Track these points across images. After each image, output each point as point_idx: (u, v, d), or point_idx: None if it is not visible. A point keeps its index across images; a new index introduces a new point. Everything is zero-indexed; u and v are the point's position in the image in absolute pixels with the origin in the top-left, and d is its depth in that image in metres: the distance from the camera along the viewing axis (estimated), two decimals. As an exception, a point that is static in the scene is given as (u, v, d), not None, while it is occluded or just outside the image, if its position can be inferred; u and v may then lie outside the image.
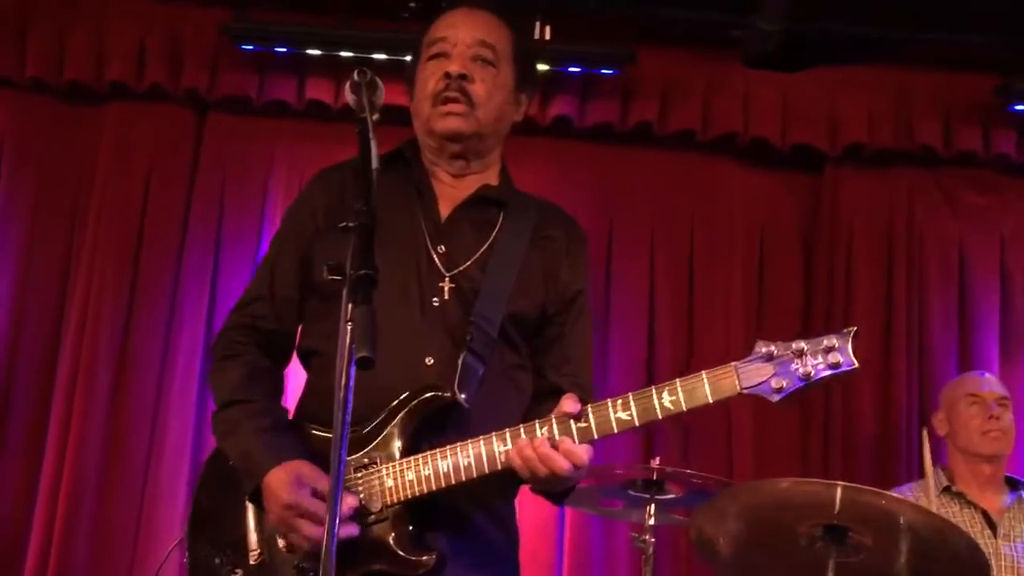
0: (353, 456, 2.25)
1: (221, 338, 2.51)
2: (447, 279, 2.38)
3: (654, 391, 2.19)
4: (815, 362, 2.15)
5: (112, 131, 4.98)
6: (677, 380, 2.19)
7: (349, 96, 2.04)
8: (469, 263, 2.40)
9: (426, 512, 2.26)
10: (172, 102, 4.96)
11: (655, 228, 5.04)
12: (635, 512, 3.91)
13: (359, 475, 2.26)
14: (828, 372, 2.15)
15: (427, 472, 2.23)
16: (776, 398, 2.16)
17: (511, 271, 2.41)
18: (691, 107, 4.95)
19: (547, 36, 4.71)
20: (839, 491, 2.92)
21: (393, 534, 2.23)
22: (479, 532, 2.35)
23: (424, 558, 2.21)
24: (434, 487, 2.23)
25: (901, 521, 2.97)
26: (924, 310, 4.96)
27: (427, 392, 2.27)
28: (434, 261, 2.39)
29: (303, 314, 2.50)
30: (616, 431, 2.20)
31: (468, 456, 2.21)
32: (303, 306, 2.49)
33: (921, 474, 4.24)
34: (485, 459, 2.21)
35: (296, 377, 2.55)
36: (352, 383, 1.84)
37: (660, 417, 2.19)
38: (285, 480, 2.23)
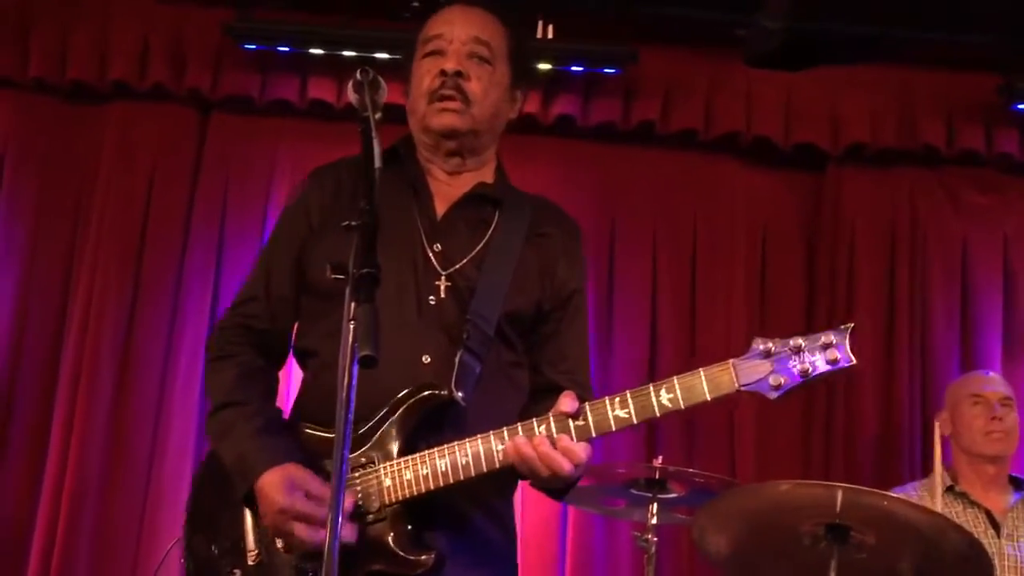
0: (351, 455, 2.24)
1: (215, 338, 2.50)
2: (443, 277, 2.37)
3: (652, 389, 2.19)
4: (813, 358, 2.15)
5: (115, 131, 4.98)
6: (675, 377, 2.18)
7: (352, 95, 2.04)
8: (465, 261, 2.39)
9: (424, 511, 2.26)
10: (175, 101, 4.96)
11: (657, 227, 5.04)
12: (637, 511, 3.92)
13: (356, 475, 2.25)
14: (826, 368, 2.15)
15: (425, 471, 2.22)
16: (774, 395, 2.16)
17: (507, 269, 2.40)
18: (693, 106, 4.95)
19: (549, 35, 4.71)
20: (840, 493, 2.92)
21: (392, 534, 2.23)
22: (478, 531, 2.35)
23: (423, 557, 2.20)
24: (432, 486, 2.22)
25: (903, 521, 2.97)
26: (927, 309, 4.96)
27: (424, 391, 2.26)
28: (430, 259, 2.38)
29: (298, 314, 2.49)
30: (614, 429, 2.19)
31: (466, 455, 2.21)
32: (299, 306, 2.48)
33: (925, 472, 4.25)
34: (483, 457, 2.20)
35: (293, 377, 2.55)
36: (355, 382, 1.83)
37: (658, 415, 2.18)
38: (278, 483, 2.22)
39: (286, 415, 2.46)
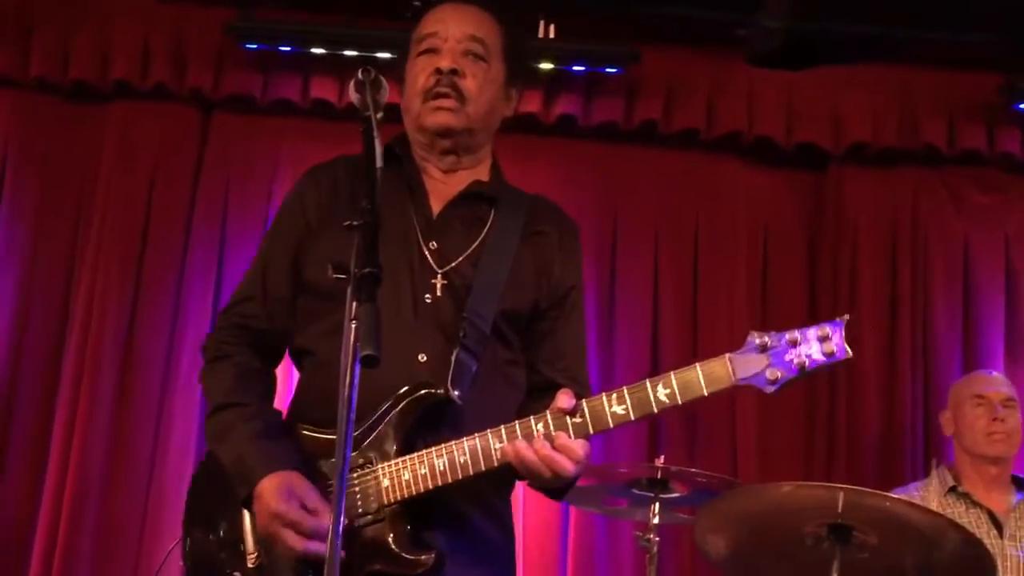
0: None
1: (211, 339, 2.50)
2: (439, 276, 2.36)
3: (648, 384, 2.18)
4: (809, 351, 2.15)
5: (116, 130, 4.97)
6: (671, 373, 2.18)
7: (353, 95, 2.04)
8: (461, 259, 2.39)
9: (423, 511, 2.25)
10: (176, 101, 4.95)
11: (659, 227, 5.04)
12: (639, 511, 3.91)
13: (355, 475, 2.25)
14: (822, 361, 2.15)
15: (423, 471, 2.22)
16: (771, 389, 2.15)
17: (503, 267, 2.39)
18: (695, 106, 4.94)
19: (551, 35, 4.71)
20: (842, 494, 2.92)
21: (391, 534, 2.22)
22: (476, 530, 2.34)
23: (423, 557, 2.20)
24: (431, 486, 2.21)
25: (905, 521, 2.97)
26: (928, 309, 4.95)
27: (421, 389, 2.25)
28: (426, 258, 2.38)
29: (295, 314, 2.48)
30: (612, 426, 2.19)
31: (464, 454, 2.20)
32: (295, 305, 2.48)
33: (926, 472, 4.24)
34: (481, 456, 2.20)
35: (288, 377, 2.55)
36: (357, 381, 1.83)
37: (656, 411, 2.18)
38: (276, 490, 2.22)
39: (283, 415, 2.45)
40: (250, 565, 2.30)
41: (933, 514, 3.10)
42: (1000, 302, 4.98)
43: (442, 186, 2.47)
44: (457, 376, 2.27)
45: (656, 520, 3.74)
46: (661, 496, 3.76)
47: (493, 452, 2.19)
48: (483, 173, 2.52)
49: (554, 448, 2.16)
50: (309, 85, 4.89)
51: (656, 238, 5.02)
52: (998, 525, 3.93)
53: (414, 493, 2.22)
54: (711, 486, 3.74)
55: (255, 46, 4.81)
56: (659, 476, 3.74)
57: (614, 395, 2.18)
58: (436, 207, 2.44)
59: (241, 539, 2.32)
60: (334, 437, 2.24)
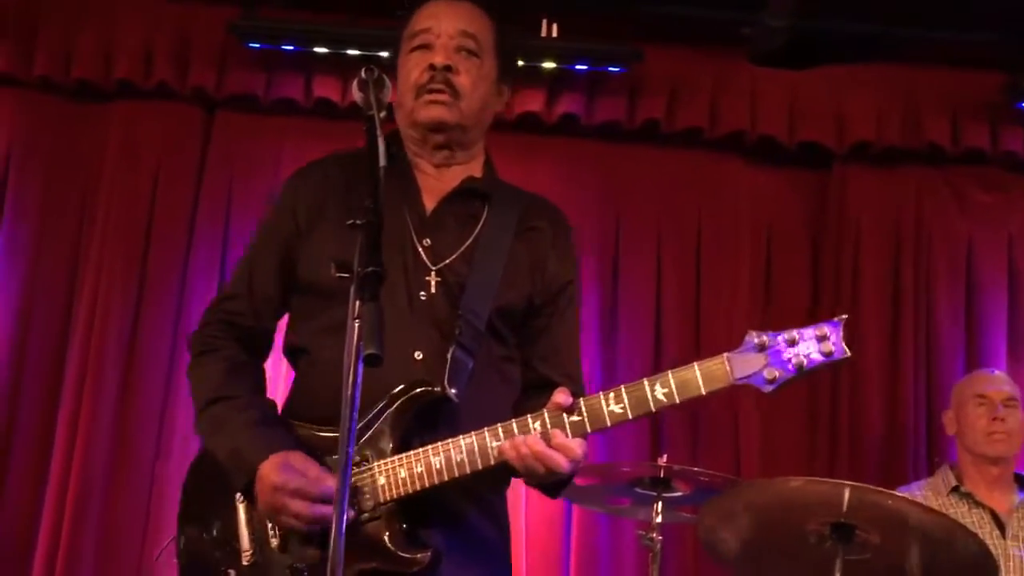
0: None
1: (198, 334, 2.49)
2: (433, 273, 2.36)
3: (646, 383, 2.18)
4: (807, 351, 2.15)
5: (120, 129, 4.98)
6: (669, 372, 2.18)
7: (356, 94, 2.05)
8: (455, 256, 2.39)
9: (419, 509, 2.25)
10: (180, 100, 4.96)
11: (662, 226, 5.04)
12: (642, 510, 3.91)
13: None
14: (821, 361, 2.15)
15: (419, 469, 2.21)
16: (769, 388, 2.16)
17: (497, 264, 2.39)
18: (698, 105, 4.94)
19: (554, 34, 4.71)
20: (847, 491, 2.92)
21: (387, 532, 2.22)
22: (473, 528, 2.34)
23: (419, 555, 2.20)
24: (427, 484, 2.21)
25: (909, 521, 2.97)
26: (931, 308, 4.95)
27: (417, 387, 2.25)
28: (420, 255, 2.37)
29: (282, 312, 2.49)
30: (609, 424, 2.19)
31: (460, 452, 2.20)
32: (283, 304, 2.48)
33: (929, 471, 4.24)
34: (478, 454, 2.20)
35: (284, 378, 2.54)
36: (360, 380, 1.82)
37: (654, 410, 2.18)
38: (276, 466, 2.21)
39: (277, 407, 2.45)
40: (245, 563, 2.30)
41: (936, 514, 3.10)
42: (1003, 301, 4.98)
43: (434, 182, 2.47)
44: (453, 374, 2.27)
45: (659, 519, 3.75)
46: (664, 495, 3.76)
47: (490, 451, 2.19)
48: (476, 169, 2.52)
49: (551, 446, 2.16)
50: (312, 84, 4.89)
51: (659, 237, 5.02)
52: (1001, 525, 3.92)
53: (410, 491, 2.22)
54: (714, 485, 3.74)
55: (258, 45, 4.81)
56: (662, 475, 3.74)
57: (612, 394, 2.19)
58: (429, 204, 2.44)
59: (236, 536, 2.32)
60: (331, 435, 2.26)
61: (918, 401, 4.84)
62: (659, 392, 2.17)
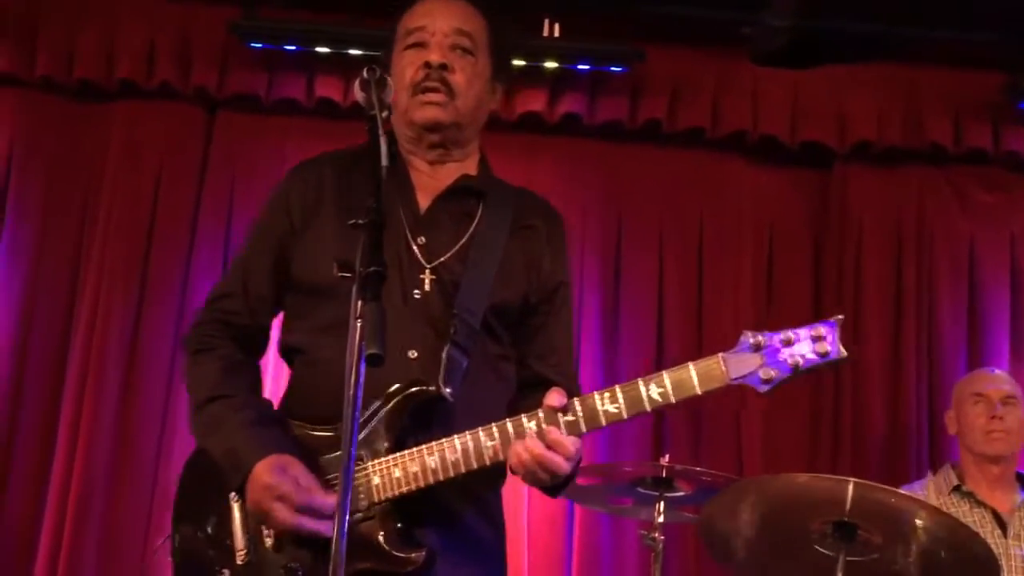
0: (338, 454, 2.21)
1: (193, 333, 2.50)
2: (428, 271, 2.36)
3: (641, 383, 2.18)
4: (803, 351, 2.15)
5: (122, 129, 4.98)
6: (664, 372, 2.18)
7: (358, 93, 2.05)
8: (449, 255, 2.39)
9: (414, 508, 2.24)
10: (181, 100, 4.96)
11: (664, 225, 5.04)
12: (644, 510, 3.91)
13: None
14: (816, 361, 2.15)
15: (415, 469, 2.21)
16: (764, 388, 2.16)
17: (492, 262, 2.39)
18: (700, 105, 4.94)
19: (556, 33, 4.71)
20: (851, 487, 2.91)
21: (382, 532, 2.22)
22: (468, 528, 2.34)
23: (414, 555, 2.20)
24: (422, 483, 2.21)
25: (911, 520, 2.97)
26: (934, 308, 4.95)
27: (412, 387, 2.25)
28: (414, 253, 2.37)
29: (277, 311, 2.49)
30: (604, 424, 2.19)
31: (455, 451, 2.20)
32: (278, 303, 2.48)
33: (932, 470, 4.24)
34: (472, 454, 2.20)
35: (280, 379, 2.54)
36: (362, 380, 1.82)
37: (648, 409, 2.18)
38: (269, 467, 2.21)
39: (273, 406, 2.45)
40: (239, 562, 2.29)
41: (938, 513, 3.10)
42: (1005, 300, 4.98)
43: (429, 180, 2.47)
44: (448, 373, 2.27)
45: (661, 519, 3.74)
46: (666, 495, 3.75)
47: (484, 450, 2.19)
48: (471, 167, 2.52)
49: (547, 445, 2.16)
50: (314, 84, 4.89)
51: (661, 237, 5.02)
52: (1002, 524, 3.92)
53: (405, 491, 2.22)
54: (716, 485, 3.74)
55: (260, 45, 4.81)
56: (664, 475, 3.74)
57: (607, 393, 2.19)
58: (423, 202, 2.44)
59: (230, 535, 2.31)
60: (328, 434, 2.26)
61: (920, 401, 4.84)
62: (654, 392, 2.17)
